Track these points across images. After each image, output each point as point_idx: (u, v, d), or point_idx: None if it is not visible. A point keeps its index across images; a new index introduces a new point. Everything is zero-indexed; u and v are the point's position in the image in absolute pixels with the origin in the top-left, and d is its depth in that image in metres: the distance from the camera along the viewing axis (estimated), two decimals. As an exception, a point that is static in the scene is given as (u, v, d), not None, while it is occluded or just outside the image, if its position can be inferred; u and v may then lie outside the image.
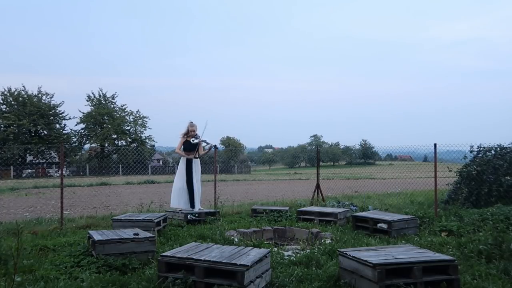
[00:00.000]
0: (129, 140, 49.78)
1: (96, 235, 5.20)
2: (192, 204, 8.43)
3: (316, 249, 5.48)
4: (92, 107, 48.54)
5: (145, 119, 51.11)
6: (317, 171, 11.53)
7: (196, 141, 8.61)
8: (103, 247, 4.90)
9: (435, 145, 8.56)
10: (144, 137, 51.27)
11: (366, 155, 73.91)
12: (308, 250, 5.51)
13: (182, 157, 8.61)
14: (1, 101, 43.76)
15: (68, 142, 46.02)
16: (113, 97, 50.07)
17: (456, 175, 10.10)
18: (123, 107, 50.31)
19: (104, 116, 47.80)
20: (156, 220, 6.62)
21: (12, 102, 43.71)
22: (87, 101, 48.98)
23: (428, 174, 13.34)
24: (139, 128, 51.09)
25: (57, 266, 4.70)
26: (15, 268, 2.87)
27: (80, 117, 47.43)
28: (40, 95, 45.19)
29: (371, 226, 6.83)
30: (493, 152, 9.75)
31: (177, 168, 8.95)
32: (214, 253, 4.02)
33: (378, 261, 3.71)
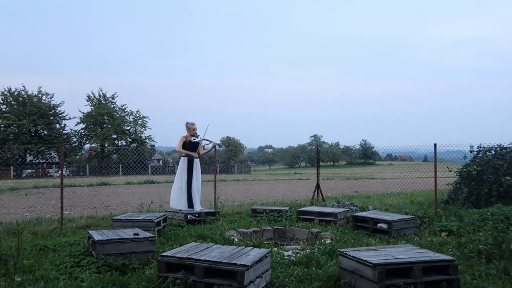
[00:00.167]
0: (129, 140, 49.78)
1: (96, 235, 5.20)
2: (190, 204, 8.34)
3: (316, 249, 5.48)
4: (92, 107, 48.57)
5: (145, 119, 51.20)
6: (317, 171, 11.53)
7: (197, 139, 8.47)
8: (103, 247, 4.90)
9: (435, 145, 8.56)
10: (144, 137, 51.30)
11: (366, 155, 73.92)
12: (308, 250, 5.51)
13: (182, 157, 8.50)
14: (1, 101, 43.80)
15: (68, 142, 46.03)
16: (113, 97, 50.12)
17: (456, 175, 10.10)
18: (123, 107, 50.35)
19: (104, 116, 47.80)
20: (156, 220, 6.62)
21: (12, 102, 43.74)
22: (87, 101, 49.08)
23: (428, 174, 13.35)
24: (139, 128, 51.13)
25: (57, 266, 4.70)
26: (15, 268, 2.87)
27: (80, 117, 47.48)
28: (40, 95, 45.24)
29: (371, 226, 6.83)
30: (493, 152, 9.75)
31: (177, 168, 8.90)
32: (214, 253, 4.02)
33: (378, 261, 3.71)
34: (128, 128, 50.54)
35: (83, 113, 47.78)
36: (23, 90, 44.44)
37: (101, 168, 43.69)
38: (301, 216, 8.11)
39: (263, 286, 3.89)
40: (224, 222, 7.90)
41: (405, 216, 7.06)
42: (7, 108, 43.56)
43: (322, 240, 6.27)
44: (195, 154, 8.43)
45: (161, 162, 63.91)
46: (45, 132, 45.01)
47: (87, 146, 50.12)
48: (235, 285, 3.55)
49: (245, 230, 7.14)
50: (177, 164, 9.04)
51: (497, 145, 9.79)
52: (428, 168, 13.46)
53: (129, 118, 50.61)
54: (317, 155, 13.07)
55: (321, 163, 14.56)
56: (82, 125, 48.06)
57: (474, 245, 5.23)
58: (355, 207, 9.32)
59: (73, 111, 77.24)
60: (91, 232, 5.61)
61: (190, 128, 8.48)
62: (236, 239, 6.26)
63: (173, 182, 8.69)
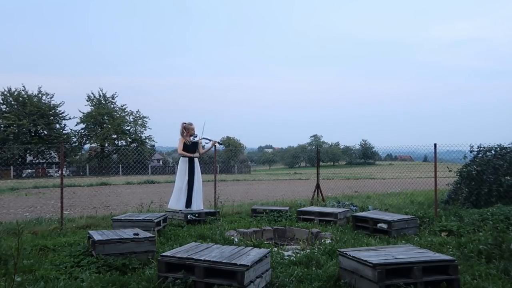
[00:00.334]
0: (129, 140, 49.79)
1: (96, 235, 5.20)
2: (189, 204, 8.35)
3: (316, 249, 5.48)
4: (92, 107, 48.58)
5: (145, 119, 51.19)
6: (317, 171, 11.53)
7: (196, 139, 8.54)
8: (103, 247, 4.90)
9: (435, 145, 8.56)
10: (144, 137, 51.31)
11: (366, 155, 73.92)
12: (308, 250, 5.51)
13: (181, 158, 8.51)
14: (1, 101, 43.81)
15: (68, 142, 46.05)
16: (113, 97, 50.11)
17: (456, 175, 10.10)
18: (123, 107, 50.35)
19: (104, 116, 47.81)
20: (156, 220, 6.62)
21: (12, 102, 43.75)
22: (87, 101, 49.07)
23: (428, 174, 13.35)
24: (139, 128, 51.13)
25: (57, 266, 4.70)
26: (15, 268, 2.88)
27: (80, 117, 47.48)
28: (40, 95, 45.26)
29: (371, 226, 6.83)
30: (493, 152, 9.76)
31: (177, 168, 8.90)
32: (214, 253, 4.02)
33: (378, 261, 3.71)
34: (128, 128, 50.56)
35: (83, 113, 47.82)
36: (23, 90, 44.50)
37: (101, 168, 43.70)
38: (301, 216, 8.11)
39: (263, 286, 3.89)
40: (224, 222, 7.90)
41: (405, 216, 7.06)
42: (7, 108, 43.58)
43: (322, 240, 6.27)
44: (197, 155, 8.56)
45: (161, 162, 63.91)
46: (45, 132, 45.03)
47: (87, 146, 50.18)
48: (235, 285, 3.55)
49: (245, 230, 7.14)
50: (177, 164, 9.04)
51: (497, 145, 9.79)
52: (428, 168, 13.46)
53: (129, 118, 50.65)
54: (317, 155, 13.07)
55: (321, 163, 14.55)
56: (82, 125, 48.12)
57: (474, 245, 5.23)
58: (355, 207, 9.32)
59: (73, 111, 77.31)
60: (91, 232, 5.61)
61: (189, 128, 8.51)
62: (236, 239, 6.26)
63: (173, 182, 8.70)
